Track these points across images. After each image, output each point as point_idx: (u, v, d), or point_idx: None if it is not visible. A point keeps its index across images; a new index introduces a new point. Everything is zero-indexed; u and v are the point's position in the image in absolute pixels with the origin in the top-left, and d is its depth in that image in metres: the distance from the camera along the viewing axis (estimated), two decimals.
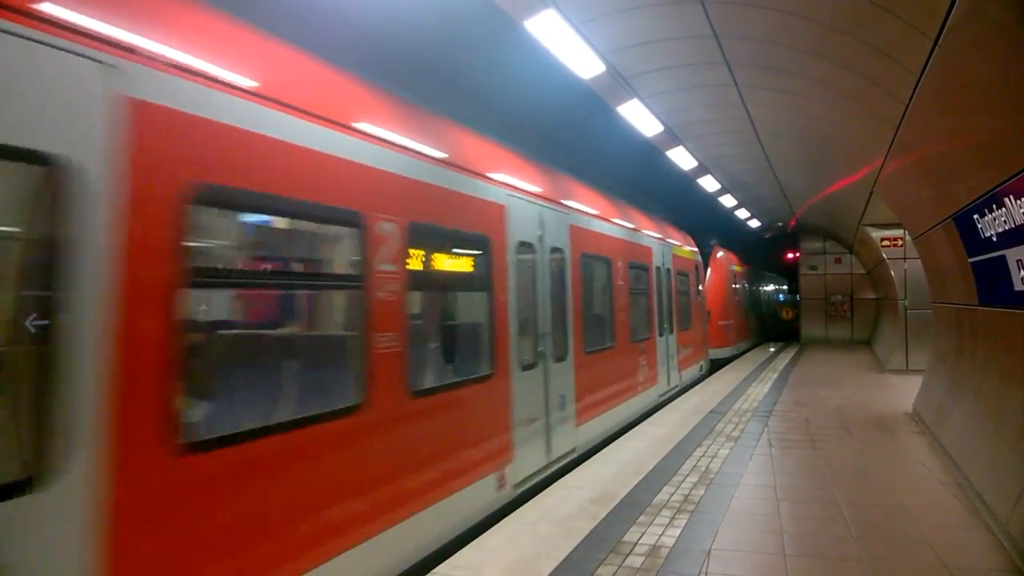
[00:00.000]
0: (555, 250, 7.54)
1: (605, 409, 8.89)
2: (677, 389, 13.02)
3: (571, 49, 6.88)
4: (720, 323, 19.48)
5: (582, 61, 7.23)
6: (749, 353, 22.80)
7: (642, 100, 8.97)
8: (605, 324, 9.36)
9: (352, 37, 5.83)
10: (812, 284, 26.40)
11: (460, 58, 7.82)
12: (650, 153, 12.01)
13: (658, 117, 9.78)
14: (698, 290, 15.61)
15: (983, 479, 5.84)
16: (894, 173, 9.16)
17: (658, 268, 12.07)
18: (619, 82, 8.17)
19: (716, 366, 17.76)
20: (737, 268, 22.74)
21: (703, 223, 19.94)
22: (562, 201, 7.91)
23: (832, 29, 6.28)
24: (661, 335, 12.05)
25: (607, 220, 9.56)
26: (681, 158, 12.50)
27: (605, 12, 6.45)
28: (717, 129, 11.14)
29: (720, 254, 20.73)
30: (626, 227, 10.38)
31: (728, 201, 18.71)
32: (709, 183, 15.60)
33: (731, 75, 8.20)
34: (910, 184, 9.00)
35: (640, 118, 9.58)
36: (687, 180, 14.84)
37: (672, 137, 11.07)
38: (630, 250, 10.46)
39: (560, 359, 7.45)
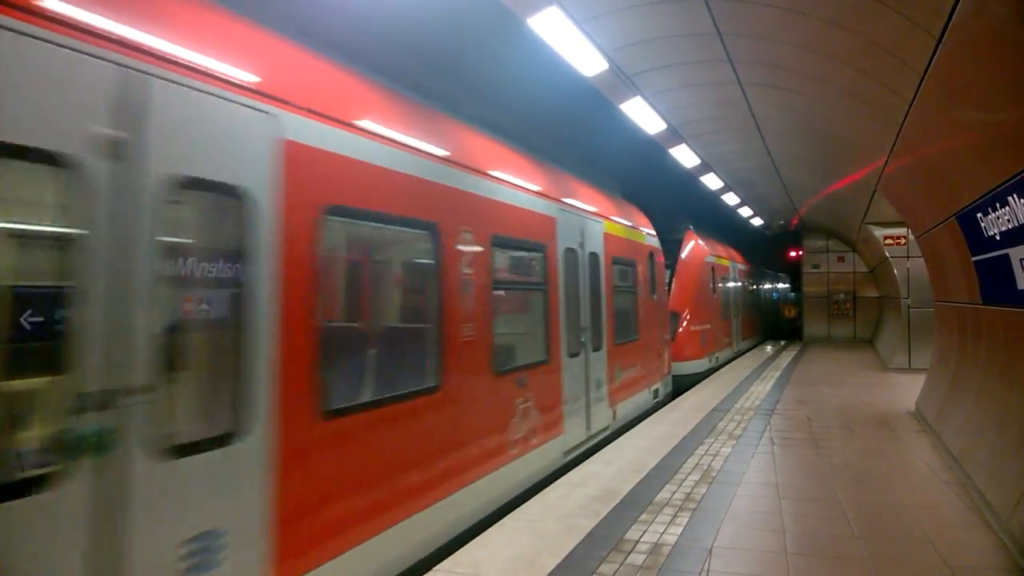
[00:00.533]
0: (197, 184, 3.23)
1: (400, 517, 4.48)
2: (608, 432, 8.80)
3: (574, 46, 6.87)
4: (692, 329, 15.18)
5: (585, 58, 7.22)
6: (735, 362, 19.04)
7: (645, 98, 8.96)
8: (418, 350, 5.21)
9: (354, 34, 5.83)
10: (815, 282, 26.38)
11: (463, 54, 7.81)
12: (651, 149, 11.96)
13: (661, 115, 9.77)
14: (652, 286, 11.41)
15: (985, 478, 5.84)
16: (897, 171, 9.14)
17: (570, 251, 7.78)
18: (622, 79, 8.16)
19: (686, 385, 13.75)
20: (720, 260, 18.69)
21: (703, 217, 18.45)
22: (257, 88, 3.63)
23: (836, 26, 6.27)
24: (575, 355, 7.74)
25: (430, 155, 5.20)
26: (684, 156, 12.49)
27: (608, 9, 6.45)
28: (720, 127, 11.13)
29: (695, 242, 16.45)
30: (494, 178, 6.22)
31: (731, 199, 18.69)
32: (712, 181, 15.58)
33: (734, 73, 8.19)
34: (913, 182, 8.98)
35: (643, 116, 9.58)
36: (689, 177, 14.80)
37: (675, 135, 11.05)
38: (504, 218, 6.29)
39: (217, 440, 3.23)
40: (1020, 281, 5.38)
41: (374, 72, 4.99)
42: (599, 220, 9.02)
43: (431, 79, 6.30)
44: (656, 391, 11.47)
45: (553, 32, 6.47)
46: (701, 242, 16.79)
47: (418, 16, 6.79)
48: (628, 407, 9.78)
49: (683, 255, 15.83)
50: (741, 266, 22.65)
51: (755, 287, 26.38)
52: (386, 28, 6.43)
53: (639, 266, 10.77)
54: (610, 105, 9.04)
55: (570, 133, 10.99)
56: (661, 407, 11.29)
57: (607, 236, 9.23)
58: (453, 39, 7.48)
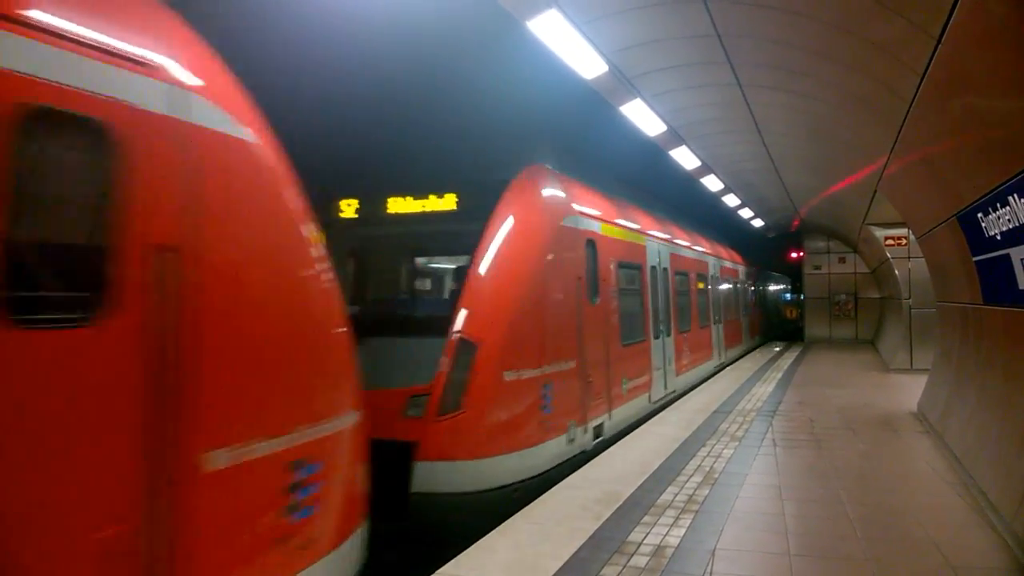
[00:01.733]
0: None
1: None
2: None
3: (574, 49, 6.88)
4: (511, 379, 6.28)
5: (585, 61, 7.23)
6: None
7: (645, 100, 8.97)
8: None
9: (355, 36, 5.84)
10: (816, 283, 26.37)
11: (463, 55, 7.82)
12: (648, 146, 11.92)
13: (661, 117, 9.78)
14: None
15: (988, 479, 5.83)
16: (898, 172, 9.14)
17: None
18: (622, 82, 8.17)
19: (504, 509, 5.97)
20: (621, 232, 9.70)
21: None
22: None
23: (835, 28, 6.27)
24: None
25: None
26: (684, 158, 12.50)
27: (608, 12, 6.46)
28: (720, 129, 11.14)
29: (546, 191, 7.34)
30: None
31: (731, 200, 18.69)
32: (712, 183, 15.59)
33: (734, 75, 8.20)
34: (914, 183, 8.98)
35: (643, 118, 9.58)
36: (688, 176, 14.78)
37: (675, 137, 11.06)
38: None
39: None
40: (1021, 281, 5.37)
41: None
42: None
43: (428, 83, 6.31)
44: None
45: (553, 35, 6.47)
46: (561, 191, 7.70)
47: (417, 20, 6.81)
48: None
49: (504, 214, 6.81)
50: (687, 250, 14.39)
51: (735, 285, 20.57)
52: (385, 33, 6.45)
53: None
54: (610, 107, 9.05)
55: (573, 134, 10.93)
56: None
57: None
58: (450, 42, 7.50)
